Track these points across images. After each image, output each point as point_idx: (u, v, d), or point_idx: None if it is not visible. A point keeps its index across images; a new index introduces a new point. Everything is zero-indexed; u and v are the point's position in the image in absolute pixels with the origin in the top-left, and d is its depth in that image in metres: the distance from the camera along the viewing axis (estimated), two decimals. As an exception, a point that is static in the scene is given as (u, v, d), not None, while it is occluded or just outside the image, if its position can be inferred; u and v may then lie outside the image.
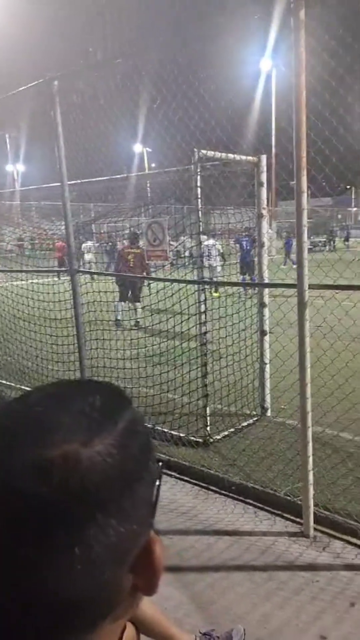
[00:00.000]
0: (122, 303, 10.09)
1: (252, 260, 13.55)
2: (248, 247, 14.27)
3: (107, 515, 0.51)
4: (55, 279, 6.70)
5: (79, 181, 5.98)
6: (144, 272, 10.04)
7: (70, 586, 0.50)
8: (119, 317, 9.51)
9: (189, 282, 5.11)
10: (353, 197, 59.88)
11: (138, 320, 9.47)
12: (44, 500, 0.49)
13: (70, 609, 0.51)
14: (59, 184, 5.12)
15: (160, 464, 0.62)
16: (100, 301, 5.99)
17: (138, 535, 0.55)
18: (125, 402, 0.59)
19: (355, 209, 57.34)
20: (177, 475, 4.57)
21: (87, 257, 11.15)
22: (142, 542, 0.57)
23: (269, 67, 40.31)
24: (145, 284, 9.74)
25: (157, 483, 0.60)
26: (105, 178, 6.00)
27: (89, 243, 11.00)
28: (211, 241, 12.82)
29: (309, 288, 3.50)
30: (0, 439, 0.53)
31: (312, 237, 31.59)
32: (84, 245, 10.26)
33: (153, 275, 9.27)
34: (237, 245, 14.94)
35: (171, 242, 12.05)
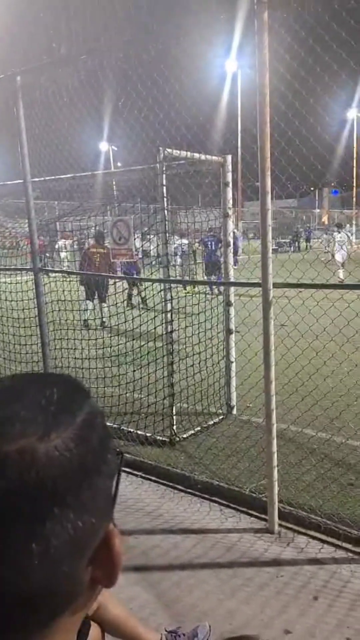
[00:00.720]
0: (89, 302, 9.90)
1: (218, 260, 13.56)
2: (213, 247, 14.09)
3: (65, 509, 0.51)
4: (19, 277, 6.59)
5: (42, 178, 5.90)
6: (111, 272, 9.85)
7: (28, 581, 0.49)
8: (85, 317, 9.33)
9: (157, 280, 5.10)
10: (317, 198, 60.92)
11: (104, 320, 9.34)
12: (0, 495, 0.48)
13: (28, 604, 0.51)
14: (21, 181, 5.05)
15: (120, 455, 0.62)
16: (65, 300, 5.94)
17: (97, 528, 0.55)
18: (83, 395, 0.59)
19: (318, 210, 58.29)
20: (143, 475, 4.56)
21: (62, 255, 10.89)
22: (101, 534, 0.57)
23: (234, 68, 40.72)
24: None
25: (117, 475, 0.60)
26: (69, 176, 5.94)
27: (65, 241, 10.80)
28: (183, 240, 12.95)
29: (273, 287, 3.54)
30: None
31: (277, 238, 31.98)
32: (59, 243, 10.09)
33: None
34: (202, 245, 14.64)
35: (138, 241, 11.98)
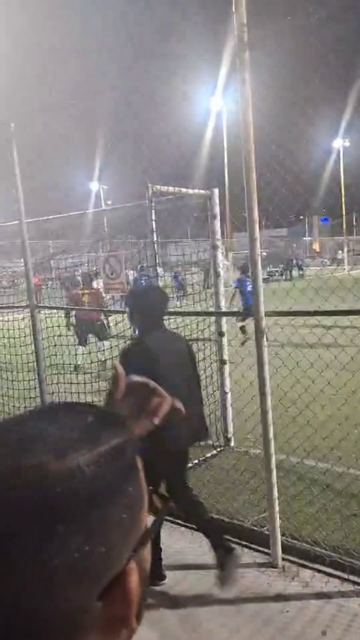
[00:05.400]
0: (82, 347, 9.49)
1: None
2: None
3: (70, 531, 0.50)
4: (16, 315, 6.59)
5: (37, 219, 5.99)
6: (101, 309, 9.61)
7: (23, 603, 0.48)
8: (79, 362, 8.59)
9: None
10: (307, 227, 61.67)
11: (105, 359, 8.76)
12: (4, 506, 0.49)
13: (28, 632, 0.49)
14: (17, 222, 5.12)
15: (164, 500, 0.63)
16: (61, 335, 5.94)
17: (108, 561, 0.53)
18: (117, 428, 0.59)
19: (309, 238, 58.90)
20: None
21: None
22: (114, 569, 0.54)
23: (220, 104, 41.81)
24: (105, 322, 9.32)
25: (159, 517, 0.62)
26: (63, 215, 6.03)
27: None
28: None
29: (265, 315, 3.55)
30: None
31: (268, 267, 32.17)
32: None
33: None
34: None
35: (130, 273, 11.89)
